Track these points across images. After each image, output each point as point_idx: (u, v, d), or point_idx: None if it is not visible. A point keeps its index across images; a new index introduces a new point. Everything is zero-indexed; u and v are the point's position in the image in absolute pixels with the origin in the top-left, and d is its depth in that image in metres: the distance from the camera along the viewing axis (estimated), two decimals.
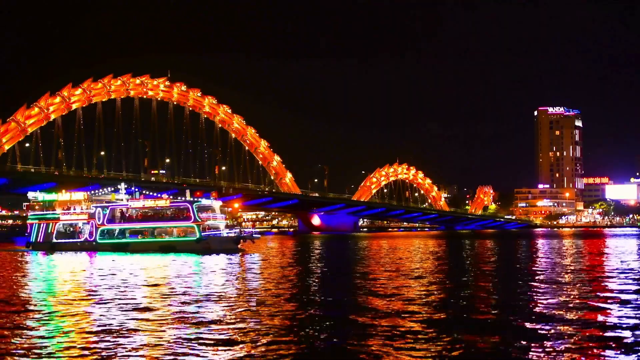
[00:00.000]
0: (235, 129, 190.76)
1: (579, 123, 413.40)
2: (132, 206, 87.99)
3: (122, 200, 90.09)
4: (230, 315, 27.59)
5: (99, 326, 25.18)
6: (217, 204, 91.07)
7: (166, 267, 55.50)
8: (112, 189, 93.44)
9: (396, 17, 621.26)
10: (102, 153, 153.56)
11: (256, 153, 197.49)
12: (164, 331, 24.18)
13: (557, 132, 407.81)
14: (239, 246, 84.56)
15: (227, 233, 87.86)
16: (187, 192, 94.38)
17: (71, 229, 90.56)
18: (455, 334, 23.95)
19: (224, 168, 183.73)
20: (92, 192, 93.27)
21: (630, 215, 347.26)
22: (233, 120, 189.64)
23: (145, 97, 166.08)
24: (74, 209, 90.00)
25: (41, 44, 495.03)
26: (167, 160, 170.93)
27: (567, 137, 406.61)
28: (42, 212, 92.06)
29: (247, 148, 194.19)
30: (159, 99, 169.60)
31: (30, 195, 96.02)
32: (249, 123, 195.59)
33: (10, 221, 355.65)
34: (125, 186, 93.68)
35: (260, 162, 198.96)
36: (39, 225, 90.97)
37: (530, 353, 20.96)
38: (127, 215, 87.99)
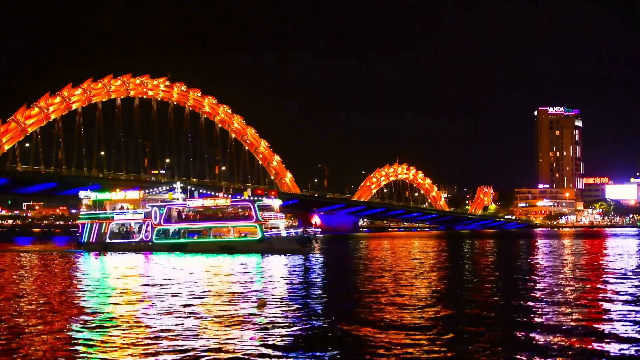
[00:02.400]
0: (235, 129, 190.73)
1: (579, 123, 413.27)
2: (190, 205, 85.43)
3: (178, 199, 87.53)
4: (292, 318, 27.11)
5: (163, 329, 24.66)
6: (276, 203, 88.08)
7: (228, 268, 53.97)
8: (167, 188, 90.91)
9: (396, 17, 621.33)
10: (102, 153, 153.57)
11: (256, 153, 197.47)
12: (230, 334, 23.91)
13: (557, 132, 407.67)
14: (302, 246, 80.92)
15: (287, 233, 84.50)
16: (249, 191, 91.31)
17: (125, 229, 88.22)
18: (455, 334, 23.96)
19: (224, 168, 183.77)
20: (147, 191, 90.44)
21: (630, 215, 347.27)
22: (233, 120, 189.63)
23: (145, 97, 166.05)
24: (126, 208, 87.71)
25: (41, 44, 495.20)
26: (167, 160, 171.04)
27: (567, 137, 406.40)
28: (94, 212, 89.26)
29: (247, 148, 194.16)
30: (159, 99, 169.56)
31: (81, 194, 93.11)
32: (249, 123, 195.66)
33: (10, 221, 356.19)
34: (181, 185, 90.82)
35: (260, 162, 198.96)
36: (91, 225, 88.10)
37: (531, 353, 20.96)
38: (183, 214, 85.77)
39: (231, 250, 79.06)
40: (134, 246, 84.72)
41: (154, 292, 36.55)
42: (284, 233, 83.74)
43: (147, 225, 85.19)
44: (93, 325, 25.82)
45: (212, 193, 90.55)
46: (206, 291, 36.97)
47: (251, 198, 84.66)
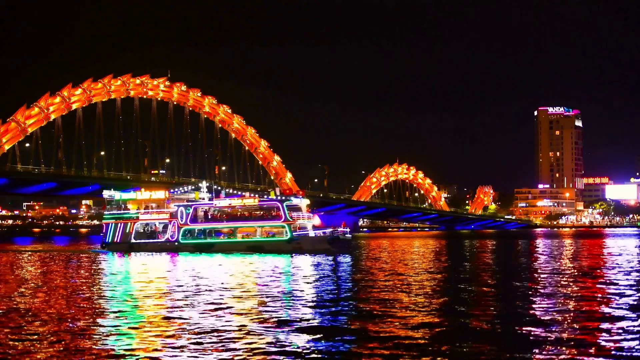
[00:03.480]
0: (235, 129, 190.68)
1: (579, 123, 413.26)
2: (218, 205, 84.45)
3: (204, 199, 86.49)
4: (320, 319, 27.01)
5: (195, 332, 24.40)
6: (304, 203, 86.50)
7: (259, 268, 53.47)
8: (193, 187, 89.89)
9: (395, 17, 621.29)
10: (102, 153, 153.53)
11: (256, 153, 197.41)
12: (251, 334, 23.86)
13: (557, 132, 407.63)
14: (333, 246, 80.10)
15: (316, 232, 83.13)
16: (277, 190, 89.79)
17: (150, 229, 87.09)
18: (456, 334, 23.97)
19: (224, 168, 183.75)
20: (173, 190, 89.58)
21: (630, 215, 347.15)
22: (233, 120, 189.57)
23: (145, 97, 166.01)
24: (151, 208, 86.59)
25: (41, 43, 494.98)
26: (167, 160, 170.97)
27: (567, 137, 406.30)
28: (119, 212, 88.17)
29: (247, 148, 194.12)
30: (159, 99, 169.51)
31: (106, 194, 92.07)
32: (248, 123, 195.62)
33: (10, 221, 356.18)
34: (207, 185, 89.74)
35: (260, 162, 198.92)
36: (116, 225, 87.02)
37: (531, 353, 20.96)
38: (210, 214, 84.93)
39: (260, 250, 78.21)
40: (159, 246, 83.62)
41: (190, 293, 36.26)
42: (312, 233, 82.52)
43: (173, 225, 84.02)
44: (126, 326, 25.74)
45: (241, 193, 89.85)
46: (240, 291, 36.97)
47: (279, 197, 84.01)
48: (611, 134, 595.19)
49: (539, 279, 44.19)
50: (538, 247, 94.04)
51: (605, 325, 25.37)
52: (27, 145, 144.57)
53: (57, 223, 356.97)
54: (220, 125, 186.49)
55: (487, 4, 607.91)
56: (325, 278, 45.15)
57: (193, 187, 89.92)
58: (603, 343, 22.33)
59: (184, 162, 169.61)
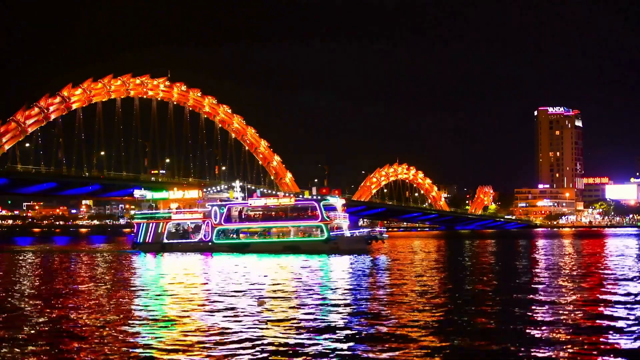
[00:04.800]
0: (235, 129, 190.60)
1: (579, 123, 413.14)
2: (253, 205, 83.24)
3: (237, 198, 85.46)
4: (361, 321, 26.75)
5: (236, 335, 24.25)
6: (339, 202, 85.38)
7: (297, 269, 53.09)
8: (226, 187, 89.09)
9: (394, 17, 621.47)
10: (102, 153, 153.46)
11: (256, 153, 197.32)
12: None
13: (557, 132, 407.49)
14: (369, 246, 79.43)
15: (352, 232, 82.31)
16: (314, 189, 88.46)
17: (182, 229, 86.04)
18: (456, 334, 23.95)
19: (224, 168, 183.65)
20: (206, 190, 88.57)
21: (630, 215, 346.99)
22: (233, 120, 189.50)
23: (145, 97, 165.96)
24: (183, 208, 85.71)
25: (41, 43, 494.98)
26: (167, 160, 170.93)
27: (567, 137, 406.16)
28: (151, 212, 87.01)
29: (247, 148, 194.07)
30: (159, 99, 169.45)
31: (137, 193, 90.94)
32: (248, 123, 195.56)
33: (10, 221, 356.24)
34: (240, 184, 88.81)
35: (260, 162, 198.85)
36: (148, 225, 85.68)
37: (532, 354, 20.94)
38: (244, 214, 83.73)
39: (296, 250, 77.12)
40: (192, 246, 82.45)
41: (233, 294, 35.95)
42: (347, 233, 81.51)
43: (207, 225, 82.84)
44: (176, 331, 25.38)
45: (273, 192, 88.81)
46: (279, 292, 36.89)
47: (316, 197, 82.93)
48: (611, 134, 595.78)
49: (539, 279, 44.17)
50: (538, 247, 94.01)
51: (605, 325, 25.36)
52: (27, 145, 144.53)
53: (57, 223, 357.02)
54: (220, 125, 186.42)
55: (487, 4, 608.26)
56: (367, 279, 44.59)
57: (226, 187, 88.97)
58: (603, 343, 22.32)
59: (184, 162, 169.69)
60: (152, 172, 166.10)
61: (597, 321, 26.35)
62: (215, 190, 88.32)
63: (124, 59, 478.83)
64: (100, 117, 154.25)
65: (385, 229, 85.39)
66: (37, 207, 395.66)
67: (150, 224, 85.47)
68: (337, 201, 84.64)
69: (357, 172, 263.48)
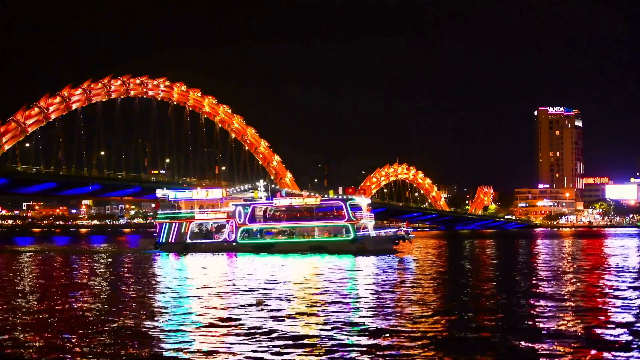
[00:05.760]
0: (235, 129, 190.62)
1: (579, 123, 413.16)
2: (278, 204, 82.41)
3: (262, 198, 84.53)
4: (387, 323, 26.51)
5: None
6: (365, 202, 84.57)
7: (323, 269, 52.64)
8: (250, 186, 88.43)
9: (394, 16, 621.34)
10: (102, 153, 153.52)
11: (256, 153, 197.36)
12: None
13: (557, 132, 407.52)
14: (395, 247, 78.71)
15: (377, 232, 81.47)
16: (340, 189, 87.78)
17: (205, 229, 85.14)
18: (458, 333, 23.97)
19: (224, 168, 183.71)
20: (230, 190, 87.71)
21: (630, 215, 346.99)
22: (233, 120, 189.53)
23: (145, 97, 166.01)
24: (206, 207, 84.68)
25: (41, 43, 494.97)
26: (167, 160, 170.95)
27: (567, 137, 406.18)
28: (174, 211, 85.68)
29: (247, 148, 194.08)
30: (159, 99, 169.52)
31: (159, 193, 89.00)
32: (248, 123, 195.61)
33: (10, 221, 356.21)
34: (264, 184, 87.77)
35: (260, 162, 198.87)
36: (170, 224, 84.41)
37: (532, 354, 20.96)
38: (268, 214, 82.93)
39: (322, 250, 76.13)
40: (216, 246, 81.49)
41: (269, 295, 35.63)
42: (372, 233, 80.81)
43: (231, 224, 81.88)
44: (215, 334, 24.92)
45: (298, 191, 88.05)
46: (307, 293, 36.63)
47: (342, 197, 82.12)
48: (611, 134, 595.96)
49: (539, 279, 44.18)
50: (539, 247, 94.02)
51: (605, 325, 25.37)
52: (27, 145, 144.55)
53: (57, 223, 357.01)
54: (220, 125, 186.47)
55: (487, 4, 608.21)
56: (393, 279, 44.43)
57: (250, 187, 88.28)
58: (603, 342, 22.33)
59: (184, 162, 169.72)
60: (152, 172, 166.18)
61: (597, 320, 26.37)
62: (239, 190, 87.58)
63: (124, 59, 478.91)
64: (100, 117, 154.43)
65: (412, 229, 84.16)
66: (37, 207, 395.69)
67: (173, 224, 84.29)
68: (363, 201, 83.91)
69: (357, 172, 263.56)
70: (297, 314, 28.67)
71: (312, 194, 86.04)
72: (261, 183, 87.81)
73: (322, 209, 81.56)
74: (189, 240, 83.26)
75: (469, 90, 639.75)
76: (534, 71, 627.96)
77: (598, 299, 33.05)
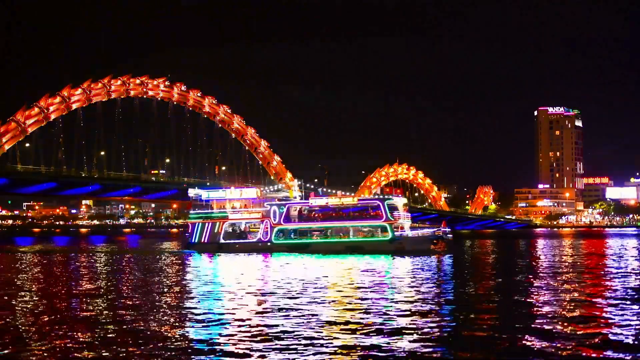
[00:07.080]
0: (235, 129, 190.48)
1: (579, 123, 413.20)
2: (313, 204, 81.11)
3: (297, 198, 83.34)
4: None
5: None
6: (401, 202, 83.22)
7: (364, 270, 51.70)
8: (282, 186, 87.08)
9: (394, 16, 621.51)
10: (102, 153, 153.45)
11: (256, 153, 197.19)
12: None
13: (557, 132, 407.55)
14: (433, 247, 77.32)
15: (414, 232, 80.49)
16: (378, 189, 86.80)
17: (239, 229, 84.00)
18: (458, 333, 23.96)
19: (224, 168, 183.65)
20: (264, 189, 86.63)
21: (630, 215, 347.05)
22: (233, 120, 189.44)
23: (145, 97, 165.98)
24: (239, 207, 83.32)
25: (41, 43, 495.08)
26: (167, 160, 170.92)
27: (567, 137, 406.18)
28: (206, 211, 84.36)
29: (247, 148, 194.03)
30: (159, 99, 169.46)
31: (191, 192, 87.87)
32: (248, 123, 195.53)
33: (10, 221, 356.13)
34: (299, 183, 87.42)
35: (260, 162, 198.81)
36: (203, 224, 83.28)
37: (532, 354, 20.95)
38: (303, 213, 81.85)
39: (359, 250, 74.88)
40: (250, 246, 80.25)
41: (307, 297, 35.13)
42: (409, 232, 79.86)
43: (266, 224, 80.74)
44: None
45: (332, 190, 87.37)
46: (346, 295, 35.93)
47: (380, 196, 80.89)
48: (611, 134, 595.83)
49: (539, 279, 44.16)
50: (538, 248, 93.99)
51: (605, 325, 25.36)
52: (27, 145, 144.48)
53: (57, 223, 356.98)
54: (220, 125, 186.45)
55: (487, 4, 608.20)
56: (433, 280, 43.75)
57: (280, 187, 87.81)
58: (603, 342, 22.32)
59: (184, 162, 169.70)
60: (152, 172, 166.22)
61: (598, 320, 26.37)
62: (272, 190, 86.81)
63: (124, 59, 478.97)
64: (100, 117, 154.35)
65: (450, 229, 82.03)
66: (37, 207, 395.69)
67: (206, 224, 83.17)
68: (400, 200, 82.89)
69: (357, 172, 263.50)
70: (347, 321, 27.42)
71: (344, 193, 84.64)
72: (295, 183, 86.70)
73: (357, 208, 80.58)
74: (222, 241, 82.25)
75: (469, 90, 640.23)
76: (534, 71, 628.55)
77: (598, 299, 33.04)
